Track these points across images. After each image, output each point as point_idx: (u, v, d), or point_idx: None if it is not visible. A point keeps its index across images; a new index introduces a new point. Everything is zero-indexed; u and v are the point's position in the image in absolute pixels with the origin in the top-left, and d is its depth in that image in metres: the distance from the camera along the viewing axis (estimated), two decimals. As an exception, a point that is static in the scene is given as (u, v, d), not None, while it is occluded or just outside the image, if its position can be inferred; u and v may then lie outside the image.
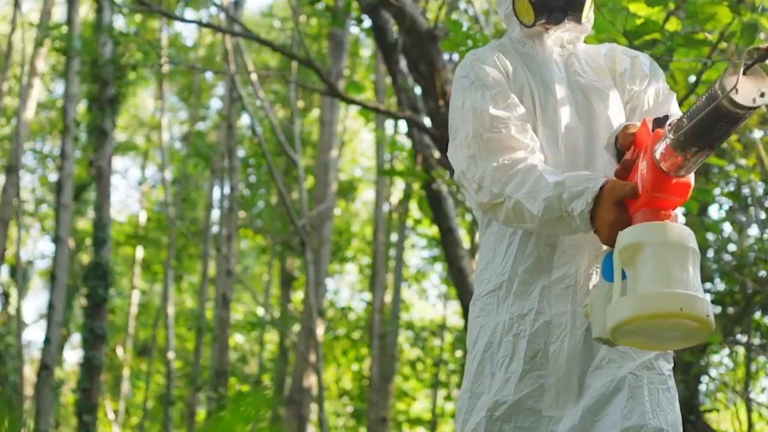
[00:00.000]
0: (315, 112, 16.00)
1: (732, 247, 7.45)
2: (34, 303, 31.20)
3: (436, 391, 14.18)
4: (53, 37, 11.80)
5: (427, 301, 17.54)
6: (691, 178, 1.70)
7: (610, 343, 1.81)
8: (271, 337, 17.66)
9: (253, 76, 10.87)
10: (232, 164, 13.33)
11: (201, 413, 15.17)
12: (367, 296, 15.70)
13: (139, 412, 17.54)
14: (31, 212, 18.45)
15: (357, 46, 14.44)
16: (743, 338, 6.98)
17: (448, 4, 7.59)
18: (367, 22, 6.42)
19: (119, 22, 13.98)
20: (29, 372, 15.10)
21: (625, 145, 1.84)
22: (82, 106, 13.14)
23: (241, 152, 15.84)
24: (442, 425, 14.60)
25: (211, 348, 14.49)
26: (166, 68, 13.77)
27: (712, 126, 1.57)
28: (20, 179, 12.70)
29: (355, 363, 15.82)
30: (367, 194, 17.79)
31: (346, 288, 18.88)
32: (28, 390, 13.05)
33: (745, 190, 7.01)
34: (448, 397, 14.08)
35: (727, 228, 7.48)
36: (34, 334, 40.27)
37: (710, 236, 7.10)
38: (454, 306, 14.79)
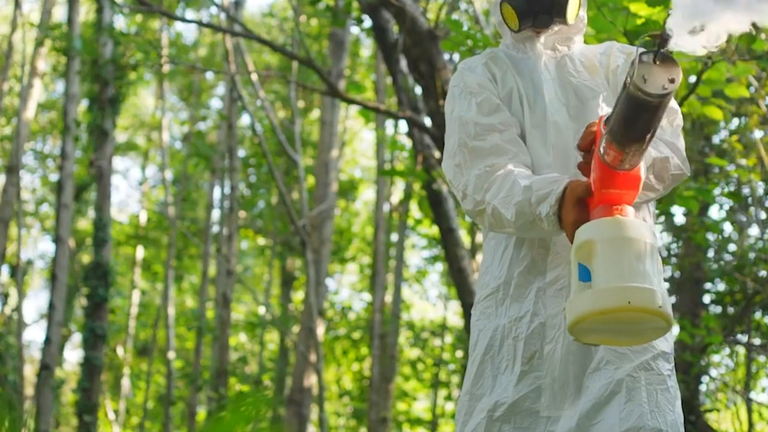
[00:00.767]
0: (315, 112, 16.01)
1: (732, 247, 7.45)
2: (34, 303, 31.27)
3: (437, 391, 14.18)
4: (54, 37, 11.81)
5: (428, 301, 17.55)
6: (640, 170, 1.69)
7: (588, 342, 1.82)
8: (272, 337, 17.66)
9: (254, 76, 10.88)
10: (233, 164, 13.33)
11: (201, 413, 15.17)
12: (368, 296, 15.71)
13: (139, 412, 17.54)
14: (32, 212, 18.47)
15: (357, 46, 14.45)
16: (744, 338, 6.98)
17: (448, 4, 7.59)
18: (368, 22, 6.43)
19: (120, 22, 14.00)
20: (29, 372, 15.11)
21: (586, 144, 1.85)
22: (82, 106, 13.14)
23: (241, 152, 15.84)
24: (443, 425, 14.60)
25: (212, 348, 14.50)
26: (166, 68, 13.77)
27: (633, 117, 1.58)
28: (21, 179, 12.70)
29: (356, 363, 15.83)
30: (367, 194, 17.81)
31: (346, 288, 18.90)
32: (29, 390, 13.05)
33: (746, 190, 7.01)
34: (448, 397, 14.08)
35: (728, 228, 7.48)
36: (35, 334, 40.34)
37: (711, 236, 7.11)
38: (455, 306, 14.79)
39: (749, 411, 7.17)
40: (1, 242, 11.65)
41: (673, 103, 2.09)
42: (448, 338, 14.51)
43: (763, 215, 7.04)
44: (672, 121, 2.06)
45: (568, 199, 1.79)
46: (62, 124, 11.91)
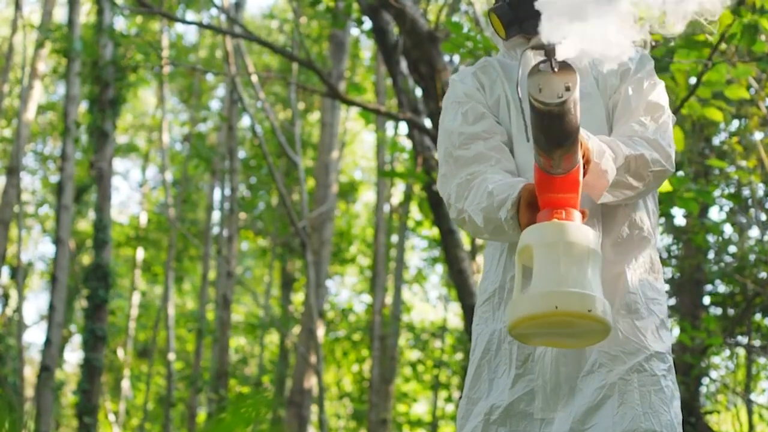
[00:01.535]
0: (316, 114, 16.01)
1: (732, 249, 7.45)
2: (34, 304, 31.22)
3: (437, 392, 14.18)
4: (54, 39, 11.81)
5: (428, 303, 17.55)
6: (576, 172, 1.70)
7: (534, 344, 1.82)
8: (272, 338, 17.65)
9: (254, 78, 10.88)
10: (233, 166, 13.33)
11: (201, 415, 15.16)
12: (368, 298, 15.70)
13: (139, 414, 17.53)
14: (32, 214, 18.46)
15: (357, 48, 14.45)
16: (744, 340, 6.98)
17: (448, 6, 7.59)
18: (368, 24, 6.43)
19: (120, 24, 14.00)
20: (30, 373, 15.10)
21: None
22: (82, 108, 13.14)
23: (241, 154, 15.84)
24: (443, 427, 14.60)
25: (212, 349, 14.49)
26: (166, 70, 13.77)
27: (542, 126, 1.60)
28: (21, 180, 12.69)
29: (356, 364, 15.82)
30: (367, 196, 17.79)
31: (346, 289, 18.89)
32: (29, 391, 13.05)
33: (746, 192, 7.01)
34: (448, 399, 14.08)
35: (728, 230, 7.48)
36: (35, 336, 40.27)
37: (711, 238, 7.11)
38: (455, 308, 14.78)
39: (749, 413, 7.17)
40: (1, 244, 11.64)
41: (659, 99, 2.07)
42: (449, 340, 14.50)
43: (763, 217, 7.04)
44: (657, 118, 2.04)
45: (522, 204, 1.81)
46: (62, 125, 11.90)
